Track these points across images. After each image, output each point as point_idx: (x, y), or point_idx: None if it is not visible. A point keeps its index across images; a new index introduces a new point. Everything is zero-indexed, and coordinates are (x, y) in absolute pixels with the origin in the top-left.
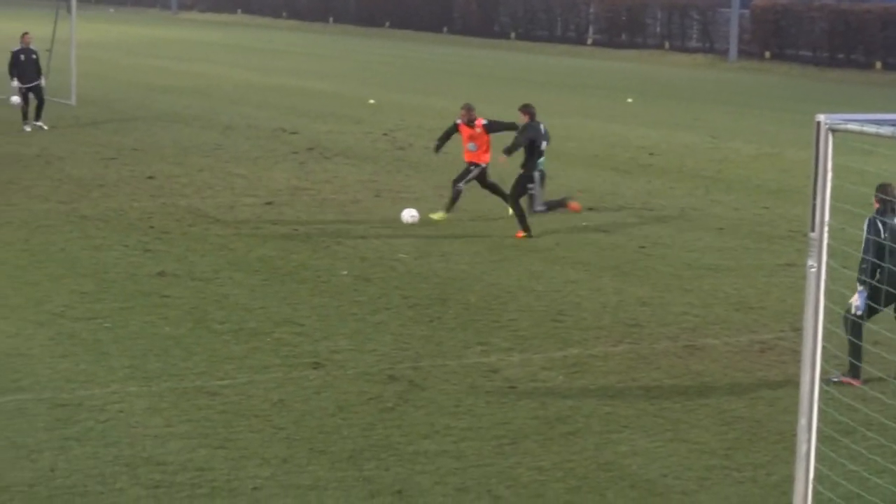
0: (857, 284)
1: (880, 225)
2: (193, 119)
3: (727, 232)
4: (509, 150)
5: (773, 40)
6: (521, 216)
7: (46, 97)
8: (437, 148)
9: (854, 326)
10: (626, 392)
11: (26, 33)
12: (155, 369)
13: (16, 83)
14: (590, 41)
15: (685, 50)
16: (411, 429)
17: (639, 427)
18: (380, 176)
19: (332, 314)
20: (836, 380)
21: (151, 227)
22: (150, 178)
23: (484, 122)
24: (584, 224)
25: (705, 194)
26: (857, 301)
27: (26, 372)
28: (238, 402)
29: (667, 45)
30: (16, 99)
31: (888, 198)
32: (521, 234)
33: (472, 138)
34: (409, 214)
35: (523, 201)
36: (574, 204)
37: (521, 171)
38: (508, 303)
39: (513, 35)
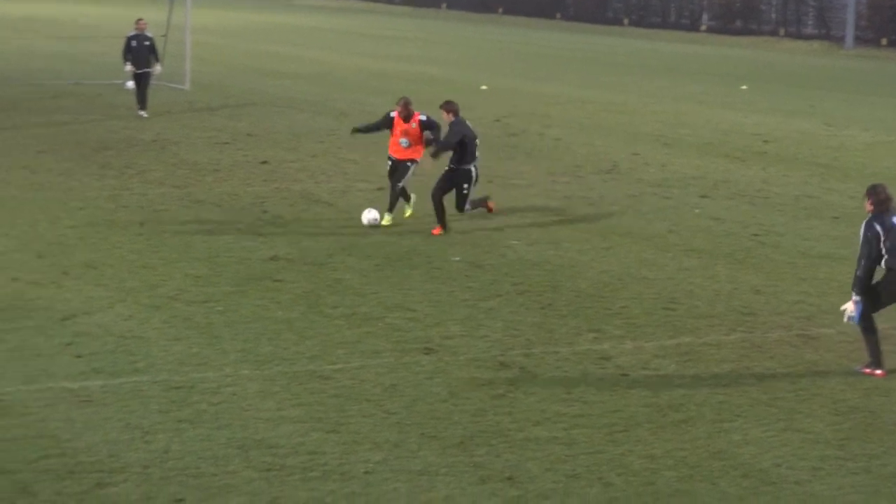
0: (853, 294)
1: (878, 227)
2: (307, 105)
3: (843, 220)
4: (438, 152)
5: (890, 27)
6: (441, 213)
7: (156, 83)
8: (356, 131)
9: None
10: (739, 381)
11: (140, 19)
12: (267, 353)
13: (129, 67)
14: (703, 27)
15: (800, 37)
16: (522, 415)
17: (752, 416)
18: (491, 162)
19: (444, 300)
20: (858, 370)
21: (265, 212)
22: (264, 162)
23: (422, 117)
24: (697, 211)
25: (820, 182)
26: (851, 311)
27: (142, 354)
28: (350, 387)
29: (782, 31)
30: (130, 84)
31: (882, 198)
32: (439, 230)
33: (406, 134)
34: (369, 217)
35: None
36: (491, 203)
37: (449, 168)
38: (620, 290)
39: (626, 21)
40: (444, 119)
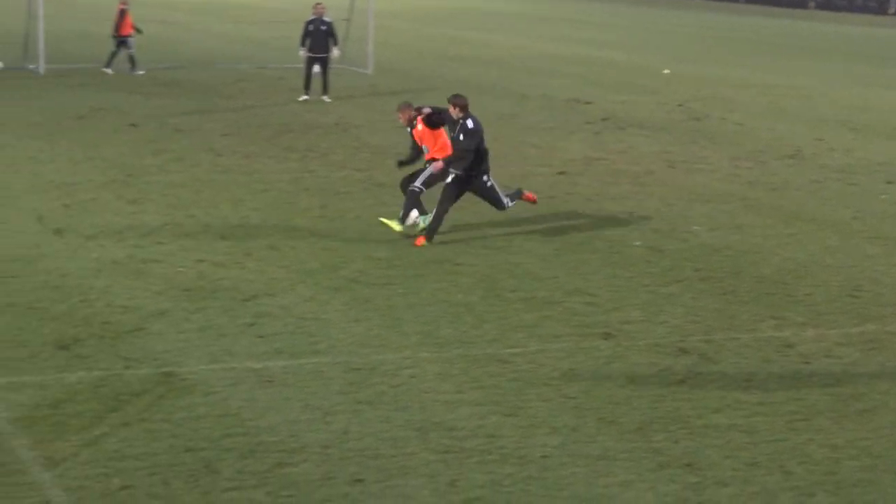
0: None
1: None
2: (489, 88)
3: None
4: (456, 161)
5: None
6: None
7: (338, 67)
8: (402, 165)
9: None
10: None
11: (318, 3)
12: (447, 336)
13: (303, 52)
14: (892, 10)
15: None
16: (701, 402)
17: None
18: (674, 147)
19: (624, 285)
20: None
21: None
22: None
23: (426, 113)
24: (883, 198)
25: None
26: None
27: (322, 335)
28: (528, 371)
29: None
30: (317, 69)
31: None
32: (423, 240)
33: (421, 140)
34: (413, 217)
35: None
36: (531, 194)
37: (457, 176)
38: (803, 277)
39: (812, 4)
40: (454, 115)
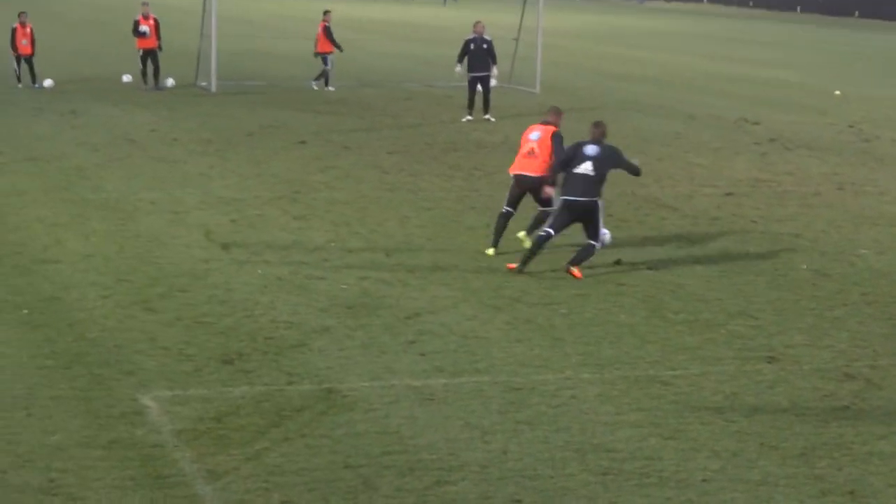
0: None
1: None
2: (655, 108)
3: None
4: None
5: None
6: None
7: (505, 86)
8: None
9: None
10: None
11: (478, 22)
12: (608, 356)
13: (459, 69)
14: None
15: None
16: (866, 428)
17: None
18: (843, 168)
19: (789, 308)
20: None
21: (609, 216)
22: None
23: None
24: None
25: None
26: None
27: (483, 354)
28: (689, 393)
29: None
30: (479, 87)
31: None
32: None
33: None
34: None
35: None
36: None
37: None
38: None
39: None
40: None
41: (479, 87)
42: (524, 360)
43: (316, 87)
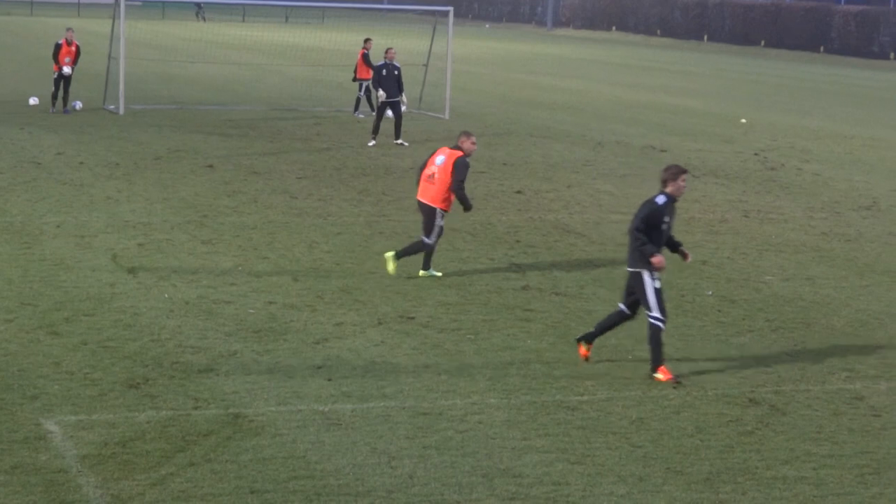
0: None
1: None
2: (564, 135)
3: None
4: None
5: None
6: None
7: (416, 112)
8: (468, 206)
9: None
10: None
11: (390, 48)
12: (515, 382)
13: (381, 94)
14: None
15: None
16: (770, 453)
17: None
18: (749, 196)
19: (695, 334)
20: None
21: (518, 241)
22: (518, 192)
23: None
24: None
25: None
26: None
27: (390, 380)
28: (596, 419)
29: None
30: (390, 113)
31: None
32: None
33: None
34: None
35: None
36: None
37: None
38: (876, 329)
39: (892, 55)
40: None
41: (390, 112)
42: (432, 386)
43: (362, 116)
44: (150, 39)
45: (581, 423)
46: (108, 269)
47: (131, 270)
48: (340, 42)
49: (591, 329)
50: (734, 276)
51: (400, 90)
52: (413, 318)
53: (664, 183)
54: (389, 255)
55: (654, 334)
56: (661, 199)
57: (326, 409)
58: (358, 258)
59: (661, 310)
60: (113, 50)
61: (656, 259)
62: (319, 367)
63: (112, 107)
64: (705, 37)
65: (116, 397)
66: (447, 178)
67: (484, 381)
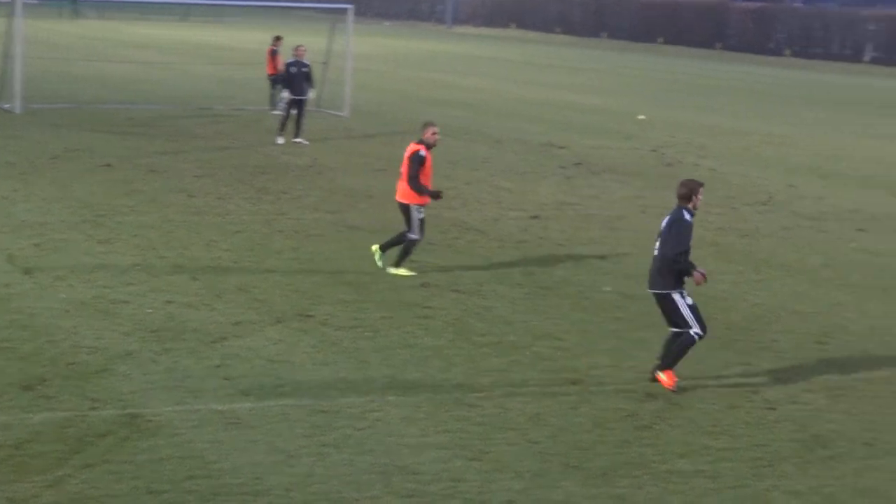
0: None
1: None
2: (463, 132)
3: None
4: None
5: None
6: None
7: (315, 110)
8: (432, 194)
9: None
10: (890, 417)
11: (299, 46)
12: (414, 379)
13: (286, 93)
14: (867, 58)
15: None
16: (667, 447)
17: None
18: (647, 192)
19: (593, 330)
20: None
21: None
22: None
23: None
24: (853, 245)
25: None
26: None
27: (289, 378)
28: (495, 415)
29: None
30: (294, 111)
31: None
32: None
33: (430, 168)
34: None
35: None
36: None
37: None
38: (772, 323)
39: (788, 52)
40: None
41: (294, 110)
42: (330, 383)
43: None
44: (47, 37)
45: (479, 420)
46: (3, 270)
47: (27, 271)
48: (242, 40)
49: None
50: (632, 272)
51: (311, 87)
52: (312, 315)
53: (685, 198)
54: (375, 248)
55: (686, 341)
56: (688, 216)
57: (224, 409)
58: (256, 256)
59: (702, 325)
60: (9, 48)
61: (700, 274)
62: (217, 367)
63: (7, 105)
64: (604, 34)
65: (11, 399)
66: (406, 172)
67: (382, 378)
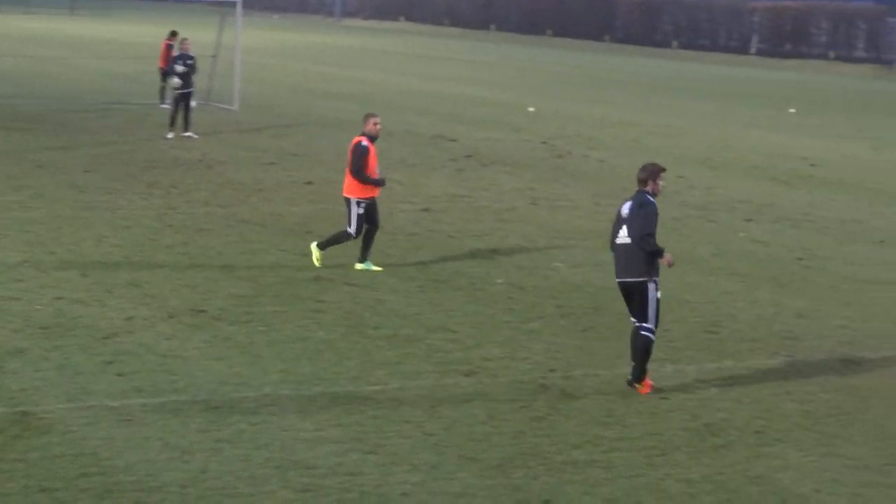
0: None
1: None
2: (353, 125)
3: (888, 245)
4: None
5: None
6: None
7: (203, 104)
8: (378, 183)
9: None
10: (780, 405)
11: (185, 39)
12: (308, 373)
13: (177, 80)
14: (753, 50)
15: (850, 60)
16: (561, 438)
17: (792, 441)
18: (537, 184)
19: (486, 322)
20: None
21: (308, 232)
22: (309, 183)
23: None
24: (741, 235)
25: (867, 206)
26: None
27: (182, 373)
28: (390, 408)
29: (832, 54)
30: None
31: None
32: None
33: (376, 159)
34: None
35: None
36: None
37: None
38: (663, 314)
39: (675, 44)
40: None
41: (182, 103)
42: (224, 379)
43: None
44: None
45: (374, 413)
46: None
47: None
48: (130, 34)
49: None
50: (524, 264)
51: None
52: (204, 311)
53: (644, 182)
54: (313, 245)
55: (647, 346)
56: (652, 199)
57: (117, 405)
58: (147, 251)
59: (657, 322)
60: None
61: (669, 256)
62: (109, 363)
63: None
64: (493, 26)
65: None
66: (351, 166)
67: (276, 373)
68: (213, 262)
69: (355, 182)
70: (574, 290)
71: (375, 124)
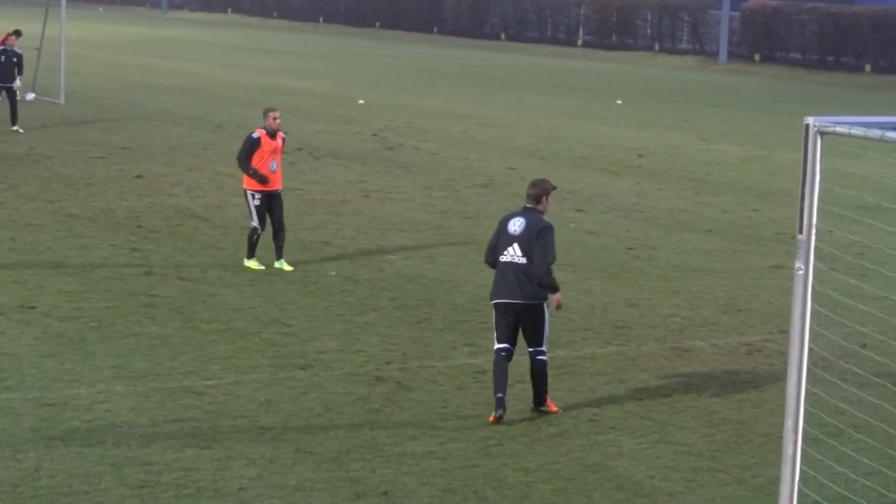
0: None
1: None
2: (183, 118)
3: (715, 234)
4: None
5: (762, 42)
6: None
7: (26, 98)
8: (257, 176)
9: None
10: (613, 393)
11: (8, 34)
12: (141, 369)
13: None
14: (580, 42)
15: (675, 52)
16: (398, 430)
17: (626, 429)
18: (369, 176)
19: (320, 315)
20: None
21: (139, 227)
22: (139, 177)
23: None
24: (572, 226)
25: (694, 196)
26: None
27: (12, 371)
28: (225, 403)
29: (657, 46)
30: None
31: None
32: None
33: (275, 153)
34: None
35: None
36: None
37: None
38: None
39: (503, 36)
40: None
41: (7, 98)
42: (55, 376)
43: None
44: None
45: (209, 408)
46: None
47: None
48: None
49: (532, 393)
50: (357, 256)
51: (20, 74)
52: (34, 307)
53: (536, 199)
54: (245, 262)
55: (544, 369)
56: (548, 221)
57: None
58: None
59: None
60: None
61: (559, 296)
62: None
63: None
64: (321, 18)
65: None
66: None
67: (109, 369)
68: (42, 258)
69: (246, 174)
70: (407, 282)
71: (275, 118)
